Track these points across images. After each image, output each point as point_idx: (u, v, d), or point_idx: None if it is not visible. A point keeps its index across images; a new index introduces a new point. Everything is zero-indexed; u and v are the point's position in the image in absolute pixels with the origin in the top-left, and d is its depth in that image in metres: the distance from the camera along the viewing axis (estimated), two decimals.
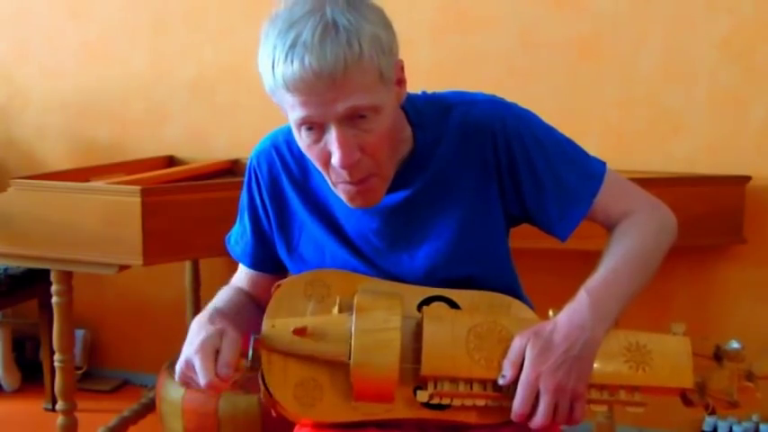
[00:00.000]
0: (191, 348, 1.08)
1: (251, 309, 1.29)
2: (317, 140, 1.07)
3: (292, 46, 1.00)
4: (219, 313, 1.18)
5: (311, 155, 1.10)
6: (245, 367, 1.11)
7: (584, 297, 1.11)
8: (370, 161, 1.09)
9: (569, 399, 1.07)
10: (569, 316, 1.10)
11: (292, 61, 1.00)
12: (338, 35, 1.00)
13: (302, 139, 1.09)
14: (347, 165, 1.06)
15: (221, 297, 1.28)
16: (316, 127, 1.06)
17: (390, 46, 1.06)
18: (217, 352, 1.07)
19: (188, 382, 1.11)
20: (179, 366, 1.10)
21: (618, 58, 2.50)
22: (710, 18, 2.40)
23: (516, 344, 1.10)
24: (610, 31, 2.49)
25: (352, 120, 1.05)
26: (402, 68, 1.12)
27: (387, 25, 1.07)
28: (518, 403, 1.07)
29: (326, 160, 1.08)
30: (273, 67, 1.03)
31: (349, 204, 1.14)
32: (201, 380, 1.06)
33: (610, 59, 2.50)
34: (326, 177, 1.13)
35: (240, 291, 1.33)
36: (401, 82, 1.12)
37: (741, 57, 2.39)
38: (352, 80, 1.01)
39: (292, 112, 1.06)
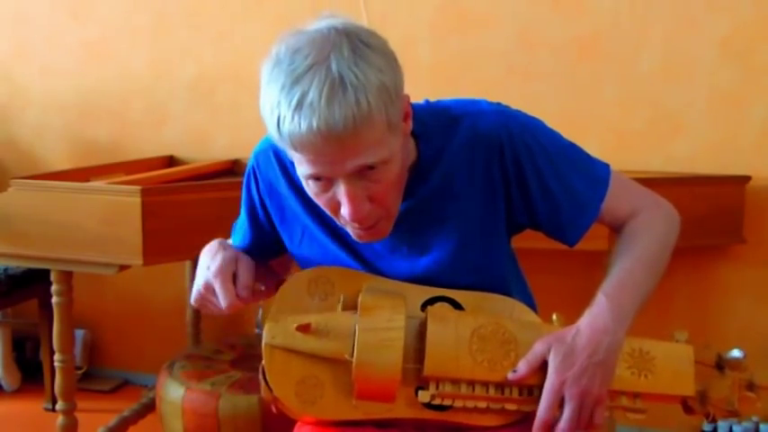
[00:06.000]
0: (209, 272, 1.14)
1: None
2: (326, 191, 1.06)
3: (298, 106, 0.96)
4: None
5: (319, 202, 1.09)
6: (261, 290, 1.17)
7: (603, 300, 1.11)
8: (380, 208, 1.08)
9: (592, 404, 1.07)
10: (590, 320, 1.10)
11: (299, 123, 0.97)
12: (345, 94, 0.96)
13: (309, 188, 1.08)
14: (357, 218, 1.06)
15: None
16: (324, 179, 1.05)
17: (396, 89, 1.03)
18: (234, 276, 1.13)
19: (205, 304, 1.16)
20: (196, 289, 1.15)
21: (618, 58, 2.50)
22: (710, 18, 2.40)
23: (537, 348, 1.10)
24: (610, 31, 2.49)
25: (362, 173, 1.03)
26: (408, 102, 1.09)
27: (392, 65, 1.03)
28: (543, 410, 1.07)
29: (335, 208, 1.08)
30: (279, 124, 0.99)
31: (356, 239, 1.14)
32: (223, 301, 1.12)
33: (610, 59, 2.50)
34: (335, 219, 1.12)
35: None
36: (407, 116, 1.09)
37: (741, 57, 2.39)
38: (360, 138, 0.99)
39: (299, 166, 1.04)
